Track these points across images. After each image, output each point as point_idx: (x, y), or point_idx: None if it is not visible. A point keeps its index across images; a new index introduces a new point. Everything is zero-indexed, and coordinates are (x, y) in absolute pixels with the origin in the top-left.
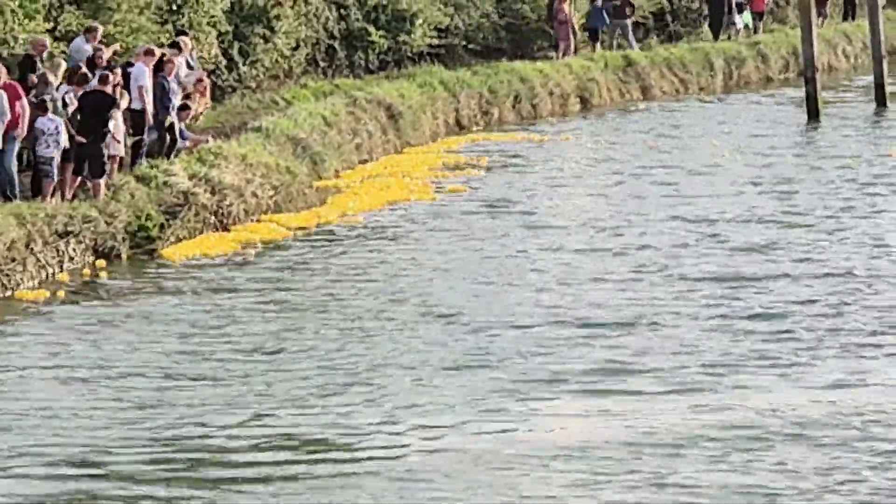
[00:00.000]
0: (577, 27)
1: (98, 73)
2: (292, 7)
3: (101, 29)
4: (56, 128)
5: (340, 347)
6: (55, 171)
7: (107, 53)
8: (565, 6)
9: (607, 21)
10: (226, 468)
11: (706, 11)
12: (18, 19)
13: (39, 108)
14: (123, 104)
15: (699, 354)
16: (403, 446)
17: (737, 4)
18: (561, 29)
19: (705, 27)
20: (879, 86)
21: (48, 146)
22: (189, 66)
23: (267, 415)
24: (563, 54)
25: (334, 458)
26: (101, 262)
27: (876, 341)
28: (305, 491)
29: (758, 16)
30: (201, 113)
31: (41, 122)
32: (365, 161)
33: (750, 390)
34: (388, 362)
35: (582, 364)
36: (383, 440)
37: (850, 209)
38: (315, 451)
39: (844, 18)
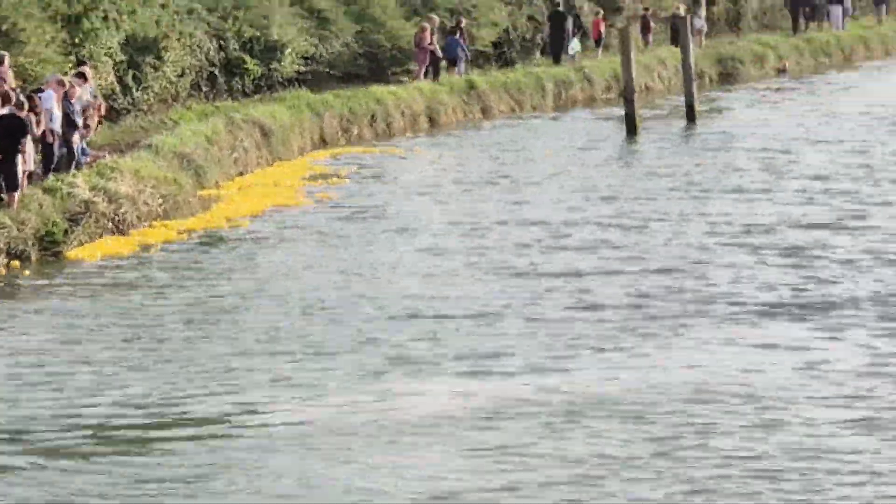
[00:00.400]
0: (439, 54)
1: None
2: (178, 39)
3: (7, 56)
4: None
5: (226, 335)
6: None
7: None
8: (427, 34)
9: (464, 47)
10: (108, 449)
11: (539, 39)
12: None
13: None
14: (35, 127)
15: (539, 340)
16: (277, 423)
17: (572, 32)
18: (420, 54)
19: (537, 54)
20: (689, 105)
21: None
22: (90, 94)
23: (161, 399)
24: (417, 77)
25: (213, 436)
26: (16, 263)
27: (687, 324)
28: (191, 466)
29: (595, 42)
30: (96, 131)
31: None
32: (241, 173)
33: (578, 371)
34: (265, 349)
35: (436, 349)
36: (258, 418)
37: (666, 213)
38: (197, 431)
39: (672, 43)
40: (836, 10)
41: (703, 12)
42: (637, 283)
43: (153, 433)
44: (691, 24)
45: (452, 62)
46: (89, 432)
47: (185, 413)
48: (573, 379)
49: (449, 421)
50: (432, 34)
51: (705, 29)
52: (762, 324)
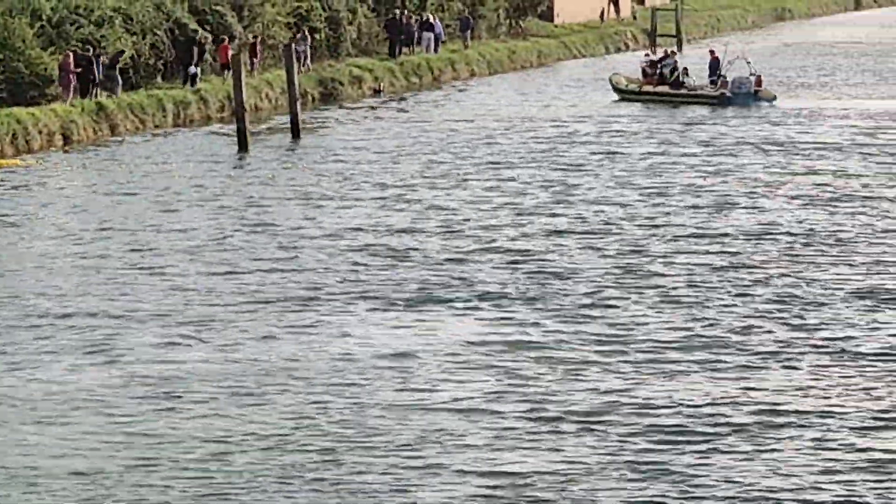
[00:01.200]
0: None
1: None
2: None
3: None
4: None
5: None
6: None
7: None
8: (71, 61)
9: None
10: None
11: (160, 66)
12: None
13: None
14: None
15: (191, 329)
16: None
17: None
18: (65, 79)
19: (159, 78)
20: (294, 122)
21: None
22: None
23: None
24: (64, 100)
25: None
26: None
27: (287, 312)
28: None
29: (222, 67)
30: None
31: None
32: None
33: (236, 354)
34: None
35: (85, 340)
36: None
37: (275, 218)
38: None
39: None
40: (428, 36)
41: (306, 40)
42: (251, 279)
43: None
44: (296, 50)
45: (94, 83)
46: None
47: None
48: (235, 360)
49: (95, 400)
50: (78, 61)
51: (308, 53)
52: (355, 313)
